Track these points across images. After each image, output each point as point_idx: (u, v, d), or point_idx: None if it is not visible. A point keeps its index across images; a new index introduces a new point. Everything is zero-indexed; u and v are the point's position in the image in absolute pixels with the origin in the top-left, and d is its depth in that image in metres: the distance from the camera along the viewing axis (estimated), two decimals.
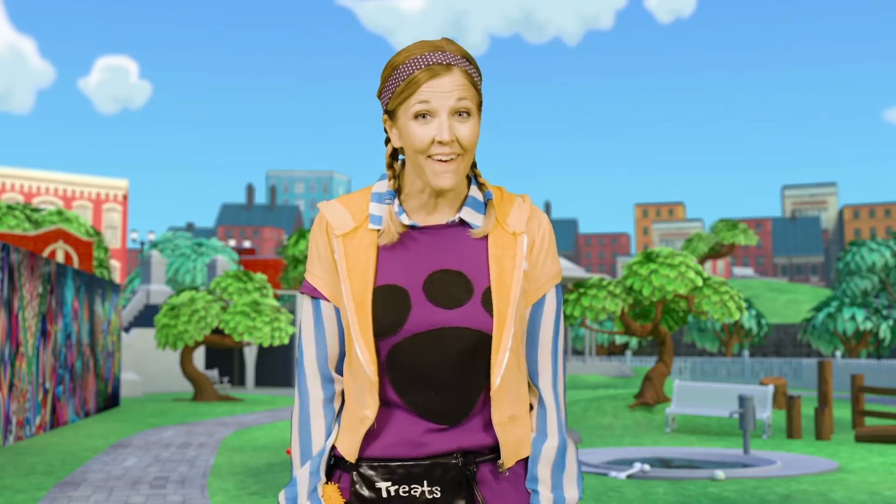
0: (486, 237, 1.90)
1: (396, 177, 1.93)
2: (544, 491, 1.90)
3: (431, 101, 1.82)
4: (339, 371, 1.94)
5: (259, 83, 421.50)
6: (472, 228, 1.90)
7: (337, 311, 1.91)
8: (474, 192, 1.92)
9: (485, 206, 1.92)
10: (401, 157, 1.98)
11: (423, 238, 1.89)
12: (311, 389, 1.92)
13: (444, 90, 1.82)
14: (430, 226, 1.89)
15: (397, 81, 1.85)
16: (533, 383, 1.95)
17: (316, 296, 1.91)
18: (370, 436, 1.86)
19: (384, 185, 1.93)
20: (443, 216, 1.90)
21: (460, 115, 1.83)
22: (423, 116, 1.83)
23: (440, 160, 1.81)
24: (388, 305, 1.82)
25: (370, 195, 1.93)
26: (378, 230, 1.89)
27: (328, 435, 1.91)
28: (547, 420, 1.94)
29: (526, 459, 1.93)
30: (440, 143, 1.81)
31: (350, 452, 1.86)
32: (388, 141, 1.94)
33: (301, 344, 1.94)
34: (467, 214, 1.89)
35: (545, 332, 1.94)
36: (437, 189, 1.83)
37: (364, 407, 1.84)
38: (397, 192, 1.91)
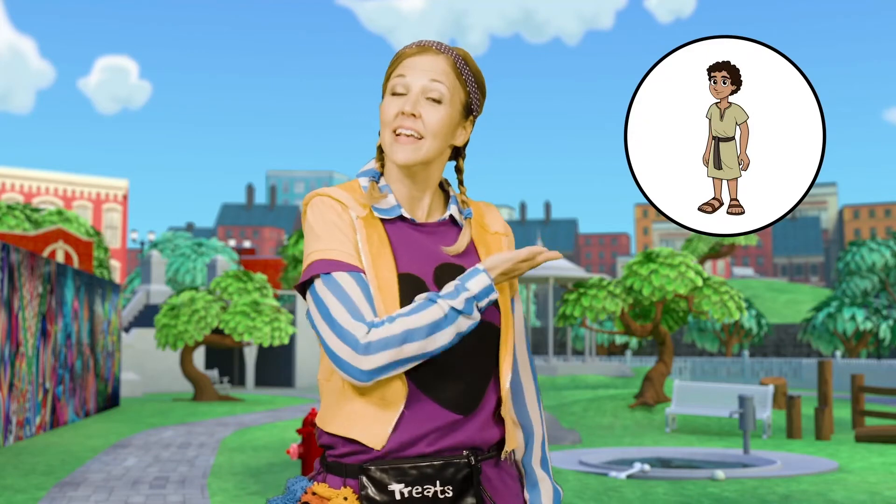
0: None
1: (382, 168, 1.95)
2: (545, 487, 2.01)
3: (407, 75, 1.85)
4: None
5: (259, 83, 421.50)
6: (458, 229, 1.94)
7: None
8: (452, 193, 1.97)
9: (462, 217, 1.95)
10: None
11: (420, 234, 1.90)
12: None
13: (422, 67, 1.85)
14: (423, 223, 1.92)
15: (391, 63, 1.90)
16: (516, 379, 2.02)
17: (354, 270, 1.79)
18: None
19: (366, 180, 1.93)
20: (426, 215, 1.93)
21: (434, 101, 1.85)
22: (399, 94, 1.86)
23: (401, 135, 1.83)
24: (411, 292, 1.82)
25: (360, 186, 1.93)
26: (382, 219, 1.88)
27: None
28: (531, 413, 2.02)
29: (512, 452, 1.98)
30: (402, 114, 1.83)
31: (377, 441, 1.79)
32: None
33: (351, 304, 1.75)
34: (456, 213, 1.94)
35: (520, 330, 2.00)
36: (395, 163, 1.85)
37: (390, 393, 1.80)
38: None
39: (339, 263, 1.79)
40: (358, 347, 1.72)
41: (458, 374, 1.83)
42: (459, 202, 1.95)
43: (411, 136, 1.83)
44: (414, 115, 1.83)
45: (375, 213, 1.87)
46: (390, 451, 1.80)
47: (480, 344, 1.86)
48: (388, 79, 1.89)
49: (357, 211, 1.85)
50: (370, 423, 1.80)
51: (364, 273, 1.79)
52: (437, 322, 1.73)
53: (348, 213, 1.84)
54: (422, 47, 1.88)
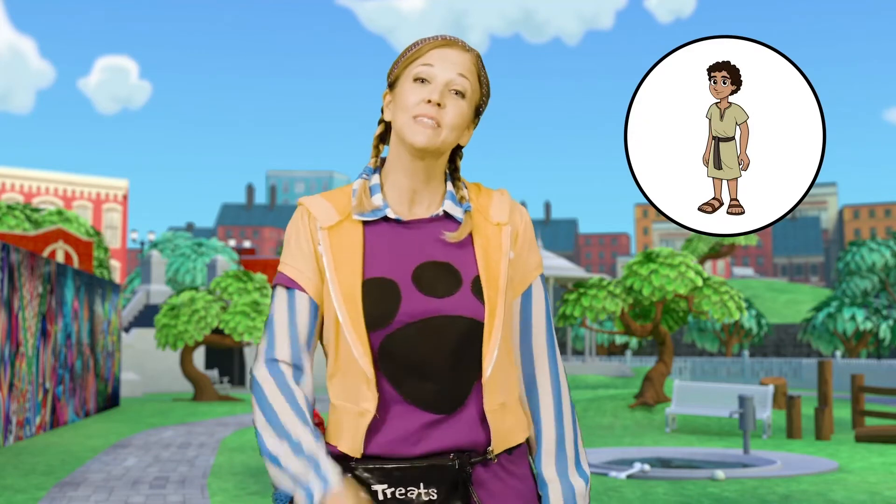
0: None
1: (379, 164, 1.95)
2: (553, 488, 1.91)
3: (435, 64, 1.86)
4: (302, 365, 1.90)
5: (259, 83, 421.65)
6: (455, 222, 1.92)
7: (313, 305, 1.88)
8: (451, 188, 1.95)
9: (462, 211, 1.94)
10: (385, 149, 2.00)
11: (407, 232, 1.89)
12: (283, 369, 1.85)
13: (451, 60, 1.87)
14: (414, 220, 1.91)
15: (410, 51, 1.89)
16: (529, 374, 1.95)
17: (292, 286, 1.88)
18: (369, 431, 1.83)
19: (358, 182, 1.94)
20: (425, 210, 1.92)
21: (456, 93, 1.86)
22: (423, 81, 1.86)
23: (422, 120, 1.83)
24: (378, 297, 1.82)
25: (351, 190, 1.94)
26: (363, 221, 1.89)
27: (310, 410, 1.85)
28: (543, 411, 1.94)
29: (517, 455, 1.92)
30: (429, 102, 1.84)
31: (354, 449, 1.82)
32: (380, 122, 1.97)
33: (271, 332, 1.88)
34: (450, 208, 1.92)
35: (538, 322, 1.96)
36: (413, 145, 1.84)
37: (362, 401, 1.82)
38: (381, 186, 1.93)
39: (285, 277, 1.91)
40: (264, 359, 1.87)
41: (436, 374, 1.82)
42: (458, 198, 1.94)
43: (431, 123, 1.84)
44: (439, 105, 1.85)
45: (356, 217, 1.88)
46: (373, 454, 1.82)
47: (464, 341, 1.83)
48: (405, 65, 1.88)
49: (327, 221, 1.88)
50: (346, 431, 1.85)
51: (304, 290, 1.88)
52: (276, 451, 1.80)
53: (314, 224, 1.89)
54: (448, 41, 1.89)
